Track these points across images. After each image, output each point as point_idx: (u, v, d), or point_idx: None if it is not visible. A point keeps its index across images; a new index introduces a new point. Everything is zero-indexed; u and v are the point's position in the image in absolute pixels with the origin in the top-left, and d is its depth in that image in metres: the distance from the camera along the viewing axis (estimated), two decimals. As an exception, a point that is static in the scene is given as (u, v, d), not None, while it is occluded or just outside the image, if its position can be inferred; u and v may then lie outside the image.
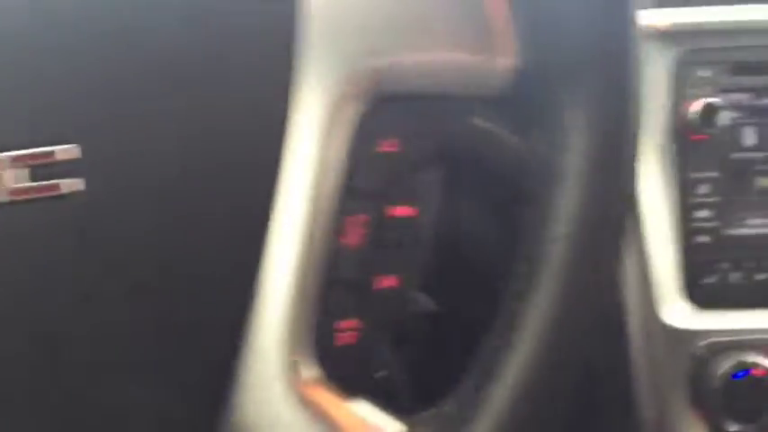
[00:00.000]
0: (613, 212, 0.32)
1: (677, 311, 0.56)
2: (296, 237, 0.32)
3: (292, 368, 0.32)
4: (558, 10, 0.32)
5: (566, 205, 0.32)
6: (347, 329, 0.32)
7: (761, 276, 0.57)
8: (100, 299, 0.31)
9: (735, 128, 0.58)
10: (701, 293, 0.57)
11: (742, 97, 0.58)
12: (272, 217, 0.32)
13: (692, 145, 0.57)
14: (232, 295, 0.32)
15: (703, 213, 0.57)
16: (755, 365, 0.55)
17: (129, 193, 0.30)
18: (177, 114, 0.31)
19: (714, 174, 0.57)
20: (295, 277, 0.32)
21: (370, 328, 0.32)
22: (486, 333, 0.34)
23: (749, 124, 0.58)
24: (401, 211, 0.33)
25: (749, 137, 0.58)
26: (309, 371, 0.33)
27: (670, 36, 0.57)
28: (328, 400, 0.33)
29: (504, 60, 0.33)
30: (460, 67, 0.33)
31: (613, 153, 0.32)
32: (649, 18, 0.58)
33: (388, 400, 0.40)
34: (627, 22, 0.33)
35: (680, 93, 0.57)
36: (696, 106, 0.56)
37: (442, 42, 0.33)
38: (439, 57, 0.33)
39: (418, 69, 0.33)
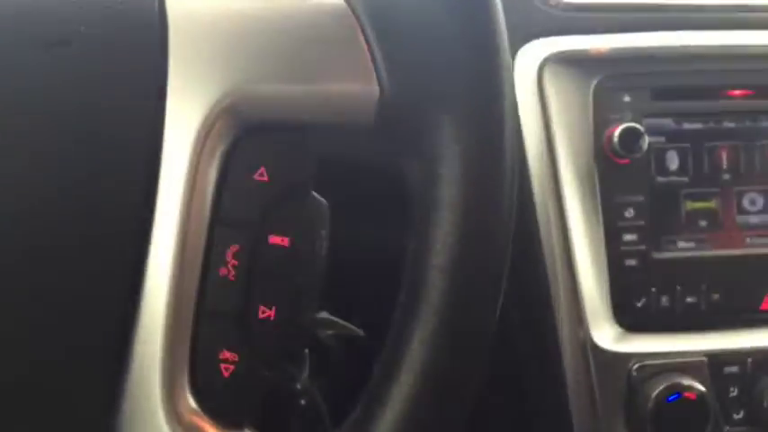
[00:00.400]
0: (491, 241, 0.32)
1: (609, 334, 0.56)
2: (168, 269, 0.32)
3: (170, 400, 0.32)
4: (425, 38, 0.33)
5: (440, 236, 0.32)
6: (227, 361, 0.32)
7: (689, 299, 0.58)
8: None
9: (658, 152, 0.58)
10: (630, 317, 0.57)
11: (664, 122, 0.59)
12: (145, 250, 0.32)
13: (616, 169, 0.57)
14: (106, 332, 0.31)
15: (631, 237, 0.57)
16: (688, 388, 0.55)
17: None
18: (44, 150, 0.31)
19: (640, 197, 0.58)
20: (169, 309, 0.32)
21: (250, 359, 0.32)
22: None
23: (672, 148, 0.59)
24: (275, 240, 0.32)
25: (671, 161, 0.59)
26: (187, 402, 0.32)
27: (589, 62, 0.58)
28: (211, 430, 0.33)
29: (372, 89, 0.33)
30: (328, 97, 0.33)
31: (488, 181, 0.32)
32: (568, 44, 0.59)
33: (308, 428, 0.40)
34: (496, 46, 0.33)
35: (602, 118, 0.58)
36: (615, 132, 0.57)
37: (309, 72, 0.33)
38: (306, 86, 0.33)
39: (285, 99, 0.33)
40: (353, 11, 0.34)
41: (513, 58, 0.58)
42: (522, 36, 0.58)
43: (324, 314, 0.42)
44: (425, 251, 0.32)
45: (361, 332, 0.50)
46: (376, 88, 0.33)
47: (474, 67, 0.32)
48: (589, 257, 0.57)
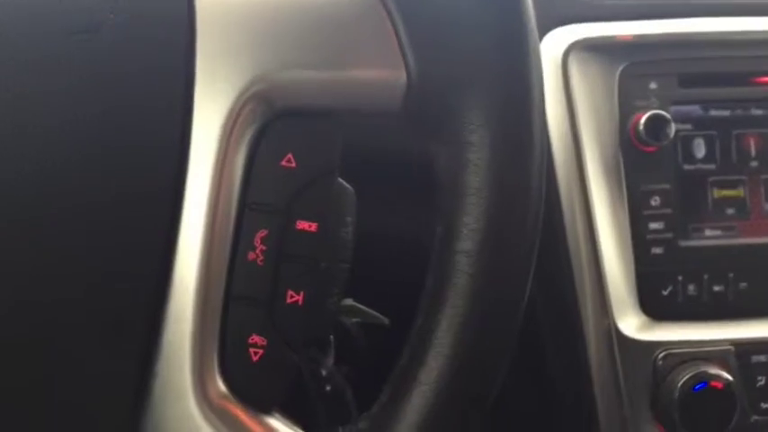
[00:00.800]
0: (519, 227, 0.32)
1: (634, 323, 0.56)
2: (197, 253, 0.32)
3: (200, 383, 0.32)
4: (453, 23, 0.32)
5: (468, 221, 0.32)
6: (256, 345, 0.32)
7: (716, 288, 0.57)
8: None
9: (685, 139, 0.58)
10: (656, 305, 0.56)
11: (690, 109, 0.58)
12: (175, 232, 0.32)
13: (642, 157, 0.57)
14: (136, 314, 0.32)
15: (657, 225, 0.57)
16: (715, 377, 0.54)
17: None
18: (71, 129, 0.31)
19: (666, 185, 0.57)
20: (198, 293, 0.32)
21: (279, 343, 0.32)
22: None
23: (699, 136, 0.58)
24: (303, 225, 0.33)
25: (700, 148, 0.58)
26: (216, 385, 0.32)
27: (615, 49, 0.58)
28: (241, 415, 0.33)
29: (400, 75, 0.33)
30: (355, 83, 0.33)
31: (517, 167, 0.32)
32: (594, 31, 0.58)
33: (333, 414, 0.40)
34: (525, 30, 0.33)
35: (628, 105, 0.57)
36: (644, 118, 0.56)
37: (337, 58, 0.33)
38: (334, 73, 0.33)
39: (312, 85, 0.33)
40: None
41: (538, 45, 0.57)
42: (546, 23, 0.58)
43: (349, 301, 0.43)
44: (453, 236, 0.32)
45: (385, 320, 0.50)
46: (404, 74, 0.33)
47: (503, 51, 0.32)
48: (615, 246, 0.56)
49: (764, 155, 0.58)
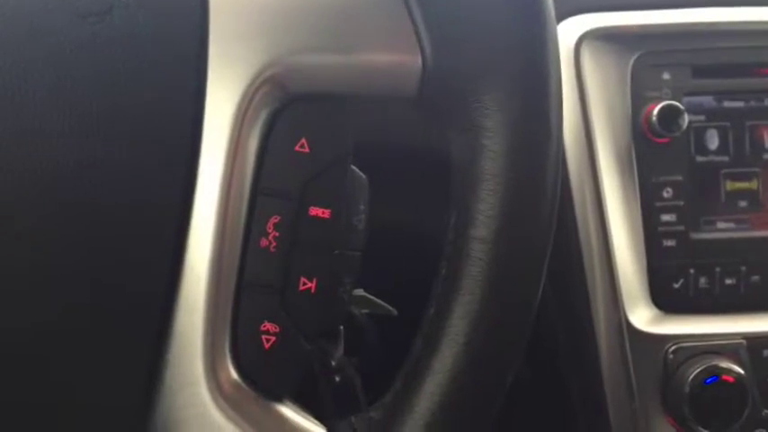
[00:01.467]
0: (535, 215, 0.32)
1: (645, 316, 0.55)
2: (209, 239, 0.31)
3: (212, 370, 0.32)
4: (469, 8, 0.32)
5: (483, 208, 0.31)
6: (268, 333, 0.32)
7: (728, 281, 0.57)
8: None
9: (698, 131, 0.57)
10: (668, 298, 0.56)
11: (704, 100, 0.58)
12: (187, 218, 0.31)
13: (654, 148, 0.56)
14: (148, 301, 0.31)
15: (669, 217, 0.56)
16: (726, 371, 0.54)
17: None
18: (94, 111, 0.31)
19: (678, 177, 0.57)
20: (210, 280, 0.31)
21: (291, 331, 0.32)
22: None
23: (712, 127, 0.57)
24: (316, 212, 0.32)
25: (713, 140, 0.57)
26: (228, 373, 0.32)
27: (629, 39, 0.57)
28: (253, 402, 0.32)
29: (415, 60, 0.33)
30: (370, 68, 0.33)
31: (533, 154, 0.32)
32: (607, 20, 0.58)
33: (344, 404, 0.40)
34: (544, 18, 0.32)
35: (640, 96, 0.57)
36: (656, 109, 0.56)
37: (352, 43, 0.33)
38: (348, 57, 0.33)
39: (327, 70, 0.33)
40: None
41: (552, 34, 0.57)
42: (559, 13, 0.57)
43: (360, 291, 0.42)
44: (468, 223, 0.32)
45: (395, 312, 0.49)
46: (419, 59, 0.33)
47: (520, 38, 0.32)
48: (626, 238, 0.56)
49: (778, 147, 0.58)
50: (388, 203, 0.39)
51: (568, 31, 0.57)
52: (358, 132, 0.33)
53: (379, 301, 0.47)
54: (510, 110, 0.31)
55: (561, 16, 0.57)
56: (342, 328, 0.45)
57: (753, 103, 0.58)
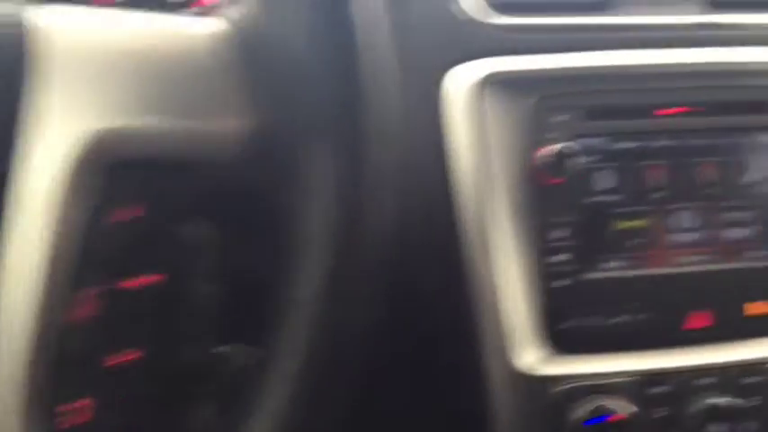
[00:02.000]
0: (354, 279, 0.32)
1: (534, 357, 0.56)
2: (28, 313, 0.30)
3: None
4: (292, 71, 0.32)
5: (310, 269, 0.32)
6: (80, 409, 0.31)
7: (618, 319, 0.58)
8: None
9: (591, 172, 0.58)
10: (560, 338, 0.57)
11: (596, 141, 0.58)
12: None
13: (545, 190, 0.57)
14: None
15: (560, 258, 0.57)
16: (614, 411, 0.55)
17: None
18: None
19: (571, 218, 0.58)
20: (25, 358, 0.30)
21: (106, 406, 0.31)
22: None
23: (603, 168, 0.58)
24: (144, 280, 0.32)
25: (603, 181, 0.58)
26: None
27: (529, 82, 0.58)
28: None
29: (243, 123, 0.33)
30: (198, 130, 0.33)
31: (357, 210, 0.32)
32: (510, 64, 0.58)
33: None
34: (361, 74, 0.32)
35: (536, 138, 0.57)
36: (548, 152, 0.56)
37: (181, 107, 0.33)
38: (177, 121, 0.33)
39: (156, 135, 0.32)
40: (229, 45, 0.33)
41: (442, 79, 0.57)
42: (453, 57, 0.58)
43: (223, 348, 0.42)
44: (296, 281, 0.32)
45: (258, 353, 0.49)
46: (247, 122, 0.33)
47: (340, 97, 0.32)
48: (518, 278, 0.56)
49: (668, 186, 0.59)
50: (235, 252, 0.39)
51: (464, 76, 0.58)
52: (196, 191, 0.33)
53: (238, 351, 0.47)
54: (332, 170, 0.32)
55: (455, 61, 0.58)
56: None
57: (644, 144, 0.59)
